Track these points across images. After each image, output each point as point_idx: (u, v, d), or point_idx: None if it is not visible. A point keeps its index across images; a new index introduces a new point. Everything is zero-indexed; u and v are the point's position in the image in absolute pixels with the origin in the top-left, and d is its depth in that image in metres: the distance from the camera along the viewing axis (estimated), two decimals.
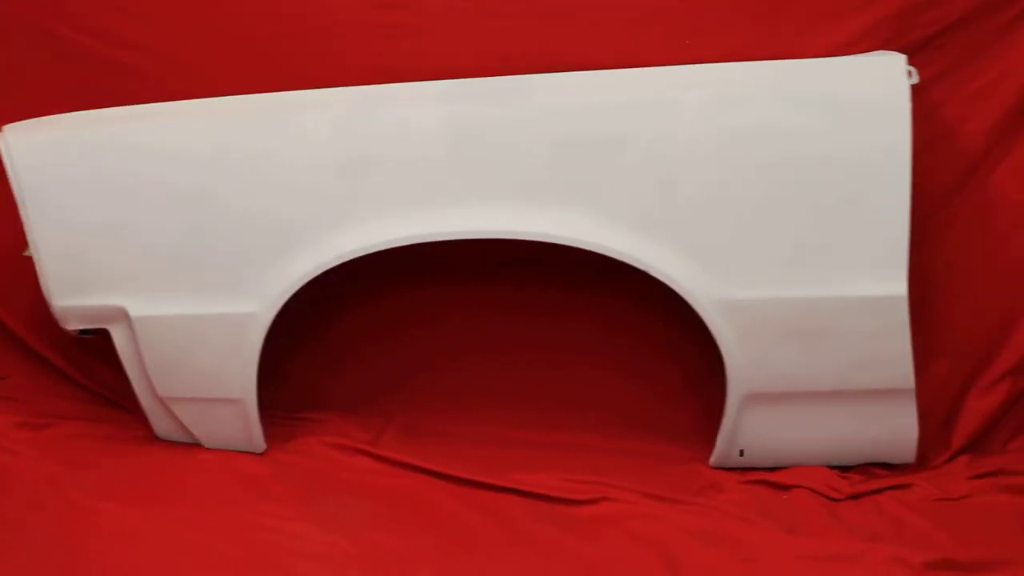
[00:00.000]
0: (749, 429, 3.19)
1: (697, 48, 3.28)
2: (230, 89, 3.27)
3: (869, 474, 3.22)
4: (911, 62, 3.01)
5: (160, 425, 3.41)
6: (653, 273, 3.03)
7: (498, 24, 3.38)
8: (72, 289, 3.23)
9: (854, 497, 3.10)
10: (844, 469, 3.23)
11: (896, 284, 2.98)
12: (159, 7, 3.51)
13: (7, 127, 3.22)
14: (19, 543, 2.88)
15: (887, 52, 3.14)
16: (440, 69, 3.27)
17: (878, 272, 2.99)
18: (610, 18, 3.34)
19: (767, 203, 2.99)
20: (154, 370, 3.27)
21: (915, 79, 2.98)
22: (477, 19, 3.39)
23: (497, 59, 3.33)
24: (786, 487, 3.14)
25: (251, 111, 3.18)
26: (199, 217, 3.13)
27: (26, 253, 3.23)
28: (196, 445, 3.38)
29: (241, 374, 3.22)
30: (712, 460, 3.27)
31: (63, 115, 3.28)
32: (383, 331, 3.65)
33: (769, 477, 3.18)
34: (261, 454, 3.34)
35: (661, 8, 3.33)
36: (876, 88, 2.98)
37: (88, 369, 3.72)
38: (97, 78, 3.53)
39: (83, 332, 3.33)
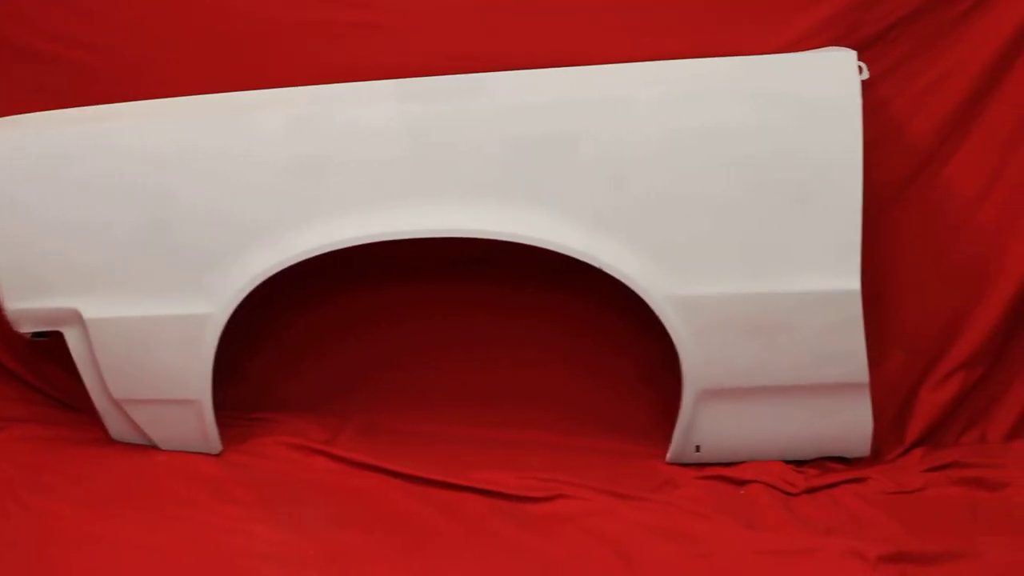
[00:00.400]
0: (705, 425, 3.20)
1: (650, 46, 3.27)
2: (189, 90, 3.26)
3: (825, 468, 3.24)
4: (861, 58, 3.03)
5: (115, 427, 3.40)
6: (608, 271, 3.04)
7: (455, 23, 3.37)
8: (25, 292, 3.21)
9: (810, 491, 3.11)
10: (800, 463, 3.24)
11: (849, 279, 3.00)
12: (117, 9, 3.48)
13: None
14: None
15: (838, 48, 3.15)
16: (397, 67, 3.26)
17: (831, 267, 3.01)
18: (565, 17, 3.34)
19: (720, 200, 3.01)
20: (108, 372, 3.25)
21: (865, 75, 3.00)
22: (434, 18, 3.38)
23: (454, 58, 3.31)
24: (742, 482, 3.16)
25: (206, 111, 3.17)
26: (152, 217, 3.12)
27: None
28: (152, 447, 3.36)
29: (196, 375, 3.21)
30: (668, 456, 3.28)
31: (17, 116, 3.25)
32: (340, 330, 3.64)
33: (725, 472, 3.20)
34: (217, 455, 3.32)
35: (615, 6, 3.33)
36: (827, 84, 3.00)
37: (42, 372, 3.68)
38: (54, 80, 3.49)
39: (36, 335, 3.31)
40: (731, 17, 3.31)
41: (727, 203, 3.01)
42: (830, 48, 3.19)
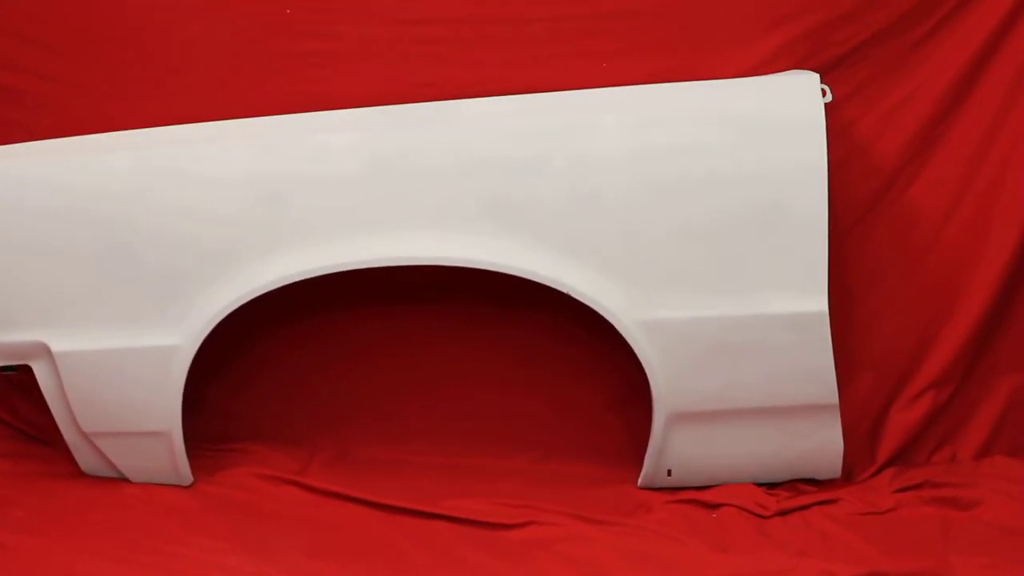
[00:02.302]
0: (676, 449, 3.20)
1: (613, 71, 3.30)
2: (152, 121, 3.27)
3: (796, 490, 3.24)
4: (825, 80, 3.06)
5: (85, 460, 3.38)
6: (576, 296, 3.04)
7: (417, 50, 3.38)
8: None
9: (782, 513, 3.12)
10: (771, 486, 3.25)
11: (816, 300, 3.01)
12: (78, 41, 3.46)
13: None
14: None
15: (801, 71, 3.17)
16: (359, 97, 3.27)
17: (799, 289, 3.02)
18: (528, 43, 3.35)
19: (686, 223, 3.02)
20: (77, 405, 3.23)
21: (829, 97, 3.02)
22: (395, 47, 3.38)
23: (416, 86, 3.32)
24: (714, 505, 3.16)
25: (172, 141, 3.17)
26: (117, 249, 3.11)
27: None
28: (123, 479, 3.34)
29: (166, 407, 3.19)
30: (640, 481, 3.27)
31: None
32: (309, 361, 3.62)
33: (698, 496, 3.20)
34: (188, 487, 3.30)
35: (577, 32, 3.34)
36: (791, 107, 3.02)
37: (10, 405, 3.66)
38: (16, 112, 3.46)
39: (4, 368, 3.29)
40: (696, 42, 3.33)
41: (694, 226, 3.02)
42: (794, 71, 3.21)
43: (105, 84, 3.47)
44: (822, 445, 3.19)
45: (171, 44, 3.45)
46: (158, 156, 3.14)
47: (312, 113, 3.21)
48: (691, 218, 3.02)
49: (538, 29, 3.35)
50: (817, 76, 3.06)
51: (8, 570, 2.90)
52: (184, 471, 3.29)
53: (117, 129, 3.26)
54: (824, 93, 3.01)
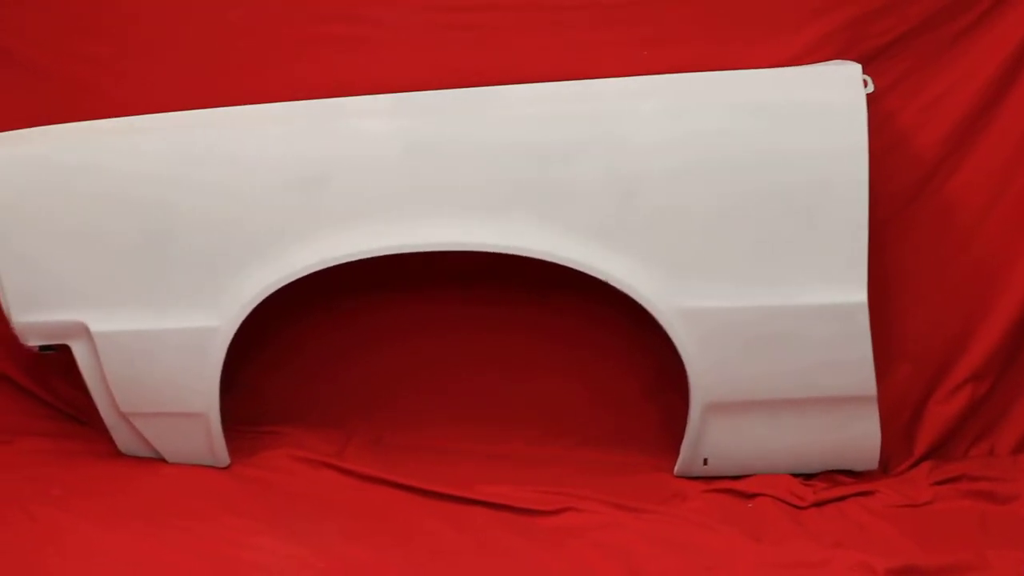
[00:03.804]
0: (712, 438, 3.20)
1: (654, 59, 3.29)
2: (188, 104, 3.26)
3: (833, 481, 3.23)
4: (867, 71, 3.04)
5: (123, 440, 3.40)
6: (613, 283, 3.04)
7: (454, 37, 3.38)
8: (32, 305, 3.21)
9: (818, 504, 3.11)
10: (808, 477, 3.24)
11: (856, 291, 3.00)
12: (118, 24, 3.49)
13: None
14: None
15: (843, 61, 3.16)
16: (392, 83, 3.26)
17: (838, 279, 3.01)
18: (567, 30, 3.34)
19: (726, 212, 3.01)
20: (116, 385, 3.25)
21: (871, 88, 3.01)
22: (433, 32, 3.39)
23: (453, 72, 3.32)
24: (750, 495, 3.16)
25: (210, 125, 3.18)
26: (159, 231, 3.13)
27: None
28: (160, 460, 3.36)
29: (203, 388, 3.21)
30: (676, 469, 3.27)
31: (21, 130, 3.26)
32: (348, 345, 3.63)
33: (733, 486, 3.19)
34: (225, 468, 3.32)
35: (617, 20, 3.33)
36: (833, 97, 3.00)
37: (49, 385, 3.68)
38: (57, 94, 3.50)
39: (44, 348, 3.31)
40: (735, 31, 3.32)
41: (734, 215, 3.01)
42: (835, 61, 3.20)
43: (143, 68, 3.49)
44: (859, 437, 3.18)
45: (208, 29, 3.47)
46: (196, 139, 3.15)
47: (350, 97, 3.21)
48: (730, 207, 3.01)
49: (577, 16, 3.34)
50: (859, 66, 3.04)
51: (45, 547, 2.92)
52: (221, 452, 3.30)
53: (155, 112, 3.26)
54: (865, 83, 3.00)
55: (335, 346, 3.64)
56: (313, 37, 3.43)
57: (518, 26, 3.37)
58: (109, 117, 3.26)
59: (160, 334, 3.18)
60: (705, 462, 3.24)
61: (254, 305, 3.14)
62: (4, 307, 3.22)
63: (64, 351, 3.29)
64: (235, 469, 3.32)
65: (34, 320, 3.23)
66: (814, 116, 3.00)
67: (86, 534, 2.97)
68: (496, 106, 3.13)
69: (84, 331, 3.21)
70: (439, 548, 2.94)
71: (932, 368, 3.38)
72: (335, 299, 3.55)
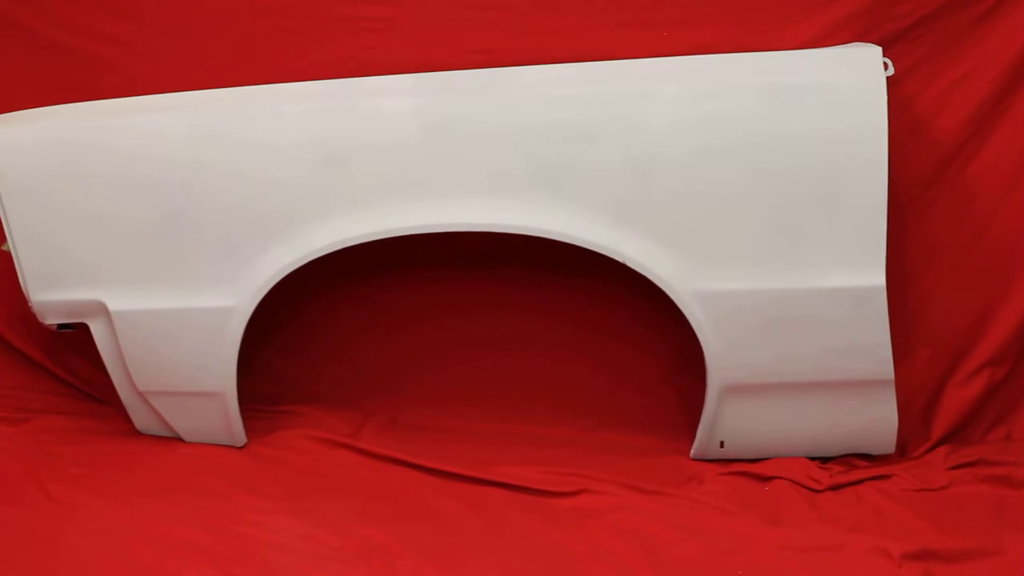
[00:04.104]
0: (729, 421, 3.19)
1: (673, 41, 3.29)
2: (208, 83, 3.28)
3: (849, 465, 3.23)
4: (886, 54, 3.03)
5: (140, 419, 3.41)
6: (631, 265, 3.04)
7: (475, 17, 3.39)
8: (50, 283, 3.22)
9: (834, 488, 3.11)
10: (824, 460, 3.24)
11: (874, 275, 2.99)
12: (138, 3, 3.49)
13: None
14: None
15: (863, 44, 3.15)
16: (417, 62, 3.27)
17: (856, 263, 3.00)
18: (588, 11, 3.34)
19: (744, 195, 3.01)
20: (133, 364, 3.26)
21: (891, 71, 2.99)
22: (454, 12, 3.39)
23: (474, 52, 3.34)
24: (767, 478, 3.16)
25: (228, 104, 3.18)
26: (177, 210, 3.13)
27: (4, 247, 3.22)
28: (176, 439, 3.38)
29: (221, 368, 3.21)
30: (692, 452, 3.27)
31: (41, 109, 3.26)
32: (364, 326, 3.65)
33: (750, 469, 3.19)
34: (241, 448, 3.33)
35: (638, 2, 3.33)
36: (853, 80, 2.99)
37: (67, 363, 3.71)
38: (73, 72, 3.51)
39: (62, 326, 3.32)
40: (755, 13, 3.32)
41: (752, 198, 3.00)
42: (855, 44, 3.19)
43: (165, 47, 3.50)
44: (876, 420, 3.18)
45: (235, 9, 3.47)
46: (215, 119, 3.15)
47: (369, 77, 3.21)
48: (748, 189, 3.00)
49: None
50: (879, 49, 3.03)
51: (63, 525, 2.94)
52: (238, 432, 3.31)
53: (174, 90, 3.26)
54: (886, 66, 2.99)
55: (352, 326, 3.65)
56: (337, 17, 3.43)
57: (541, 7, 3.37)
58: (127, 96, 3.27)
59: (178, 313, 3.18)
60: (721, 445, 3.24)
61: (272, 285, 3.14)
62: (22, 285, 3.23)
63: (82, 330, 3.30)
64: (252, 448, 3.33)
65: (52, 299, 3.24)
66: (834, 99, 2.98)
67: (103, 512, 2.98)
68: (517, 87, 3.12)
69: (102, 310, 3.21)
70: (455, 528, 2.95)
71: (950, 352, 3.38)
72: (352, 279, 3.56)
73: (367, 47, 3.40)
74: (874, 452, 3.25)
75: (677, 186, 3.01)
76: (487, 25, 3.38)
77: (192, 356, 3.23)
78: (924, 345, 3.37)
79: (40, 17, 3.53)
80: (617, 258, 3.04)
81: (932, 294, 3.37)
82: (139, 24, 3.50)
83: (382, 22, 3.41)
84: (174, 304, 3.18)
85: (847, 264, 3.01)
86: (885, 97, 2.95)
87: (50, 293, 3.23)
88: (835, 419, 3.18)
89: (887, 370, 3.09)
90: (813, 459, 3.22)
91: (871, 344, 3.06)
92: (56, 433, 3.40)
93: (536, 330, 3.59)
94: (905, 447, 3.32)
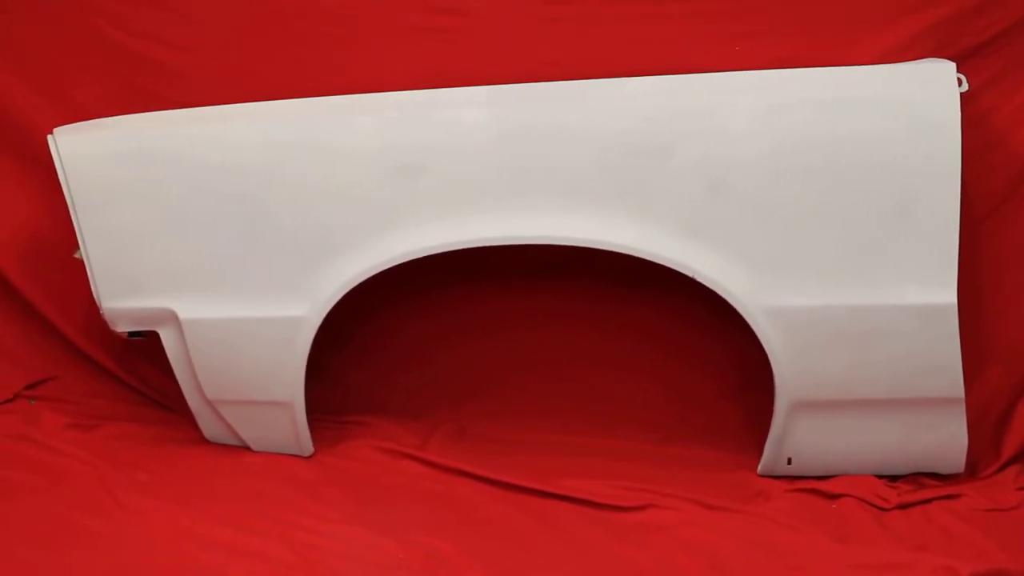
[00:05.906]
0: (797, 437, 3.18)
1: (747, 54, 3.28)
2: (277, 93, 3.28)
3: (918, 483, 3.20)
4: (961, 70, 3.00)
5: (208, 427, 3.43)
6: (701, 280, 3.03)
7: (547, 29, 3.38)
8: (121, 291, 3.25)
9: (902, 507, 3.09)
10: (893, 478, 3.21)
11: (946, 292, 2.97)
12: (205, 10, 3.51)
13: (58, 129, 3.23)
14: (67, 544, 2.90)
15: (937, 59, 3.13)
16: (489, 74, 3.26)
17: (928, 280, 2.98)
18: (660, 24, 3.33)
19: (817, 210, 2.99)
20: (203, 372, 3.28)
21: (965, 87, 2.97)
22: (526, 24, 3.39)
23: (547, 64, 3.33)
24: (834, 496, 3.14)
25: (301, 115, 3.19)
26: (249, 220, 3.15)
27: (76, 255, 3.25)
28: (244, 448, 3.39)
29: (289, 377, 3.23)
30: (760, 468, 3.26)
31: (115, 118, 3.29)
32: (430, 334, 3.66)
33: (817, 486, 3.17)
34: (309, 457, 3.34)
35: (711, 14, 3.32)
36: (926, 95, 2.96)
37: (137, 371, 3.74)
38: (149, 81, 3.53)
39: (132, 334, 3.34)
40: (829, 27, 3.30)
41: (824, 213, 2.98)
42: (929, 59, 3.16)
43: (237, 55, 3.51)
44: (946, 439, 3.15)
45: (303, 17, 3.48)
46: (290, 129, 3.16)
47: (442, 89, 3.21)
48: (820, 205, 2.98)
49: (671, 9, 3.33)
50: (953, 65, 3.00)
51: (130, 532, 2.96)
52: (305, 441, 3.33)
53: (247, 100, 3.29)
54: (960, 82, 2.96)
55: (420, 337, 3.66)
56: (408, 27, 3.43)
57: (614, 18, 3.35)
58: (201, 105, 3.28)
59: (248, 322, 3.20)
60: (789, 461, 3.22)
61: (340, 295, 3.15)
62: (94, 293, 3.25)
63: (152, 338, 3.32)
64: (319, 458, 3.34)
65: (123, 306, 3.26)
66: (907, 114, 2.96)
67: (170, 518, 3.00)
68: (592, 98, 3.11)
69: (173, 318, 3.23)
70: (520, 541, 2.95)
71: (1022, 370, 3.34)
72: (421, 290, 3.56)
73: (439, 57, 3.40)
74: (943, 471, 3.22)
75: (749, 200, 3.00)
76: (559, 37, 3.37)
77: (261, 365, 3.25)
78: (995, 362, 3.34)
79: (113, 24, 3.55)
80: (687, 273, 3.03)
81: (1005, 310, 3.33)
82: (212, 33, 3.51)
83: (454, 33, 3.41)
84: (244, 313, 3.20)
85: (919, 280, 2.98)
86: (959, 113, 2.92)
87: (121, 301, 3.25)
88: (904, 437, 3.16)
89: (957, 388, 3.07)
90: (881, 477, 3.19)
91: (941, 361, 3.04)
92: (125, 440, 3.43)
93: (605, 343, 3.60)
94: (975, 466, 3.28)
